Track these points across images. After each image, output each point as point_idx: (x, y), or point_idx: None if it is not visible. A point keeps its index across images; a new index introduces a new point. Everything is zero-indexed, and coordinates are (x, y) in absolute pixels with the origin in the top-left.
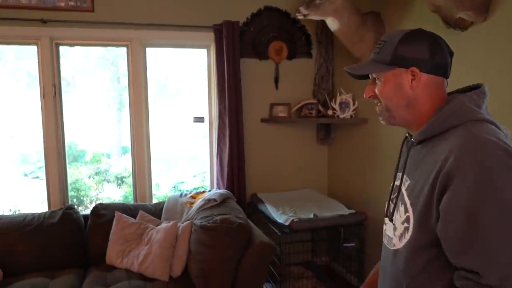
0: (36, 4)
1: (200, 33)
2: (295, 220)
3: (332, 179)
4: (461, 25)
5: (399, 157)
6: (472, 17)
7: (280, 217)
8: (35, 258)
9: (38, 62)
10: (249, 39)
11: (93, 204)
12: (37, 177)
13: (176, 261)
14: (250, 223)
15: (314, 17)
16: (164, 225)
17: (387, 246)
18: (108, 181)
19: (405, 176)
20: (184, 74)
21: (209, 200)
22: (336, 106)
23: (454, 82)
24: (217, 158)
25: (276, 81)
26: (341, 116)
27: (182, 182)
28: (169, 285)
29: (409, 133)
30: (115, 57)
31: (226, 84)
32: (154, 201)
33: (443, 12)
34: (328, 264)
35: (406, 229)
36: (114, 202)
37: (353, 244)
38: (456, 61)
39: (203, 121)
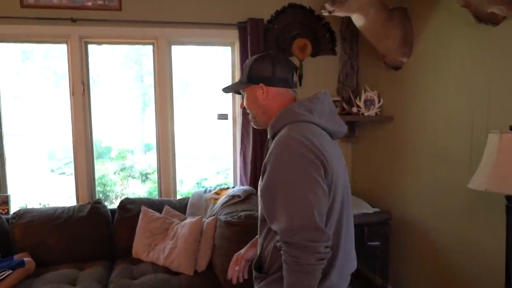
0: (66, 3)
1: (224, 30)
2: None
3: (355, 177)
4: (492, 20)
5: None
6: (505, 12)
7: None
8: (65, 250)
9: (68, 60)
10: (273, 37)
11: (119, 199)
12: (63, 173)
13: (201, 255)
14: None
15: (340, 13)
16: (189, 220)
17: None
18: (133, 177)
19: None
20: (206, 72)
21: (233, 196)
22: (361, 104)
23: (485, 80)
24: (240, 155)
25: (300, 78)
26: (366, 114)
27: (205, 179)
28: (194, 279)
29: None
30: (139, 56)
31: None
32: (178, 197)
33: (474, 6)
34: None
35: (259, 203)
36: (140, 197)
37: (377, 243)
38: (487, 58)
39: (227, 118)
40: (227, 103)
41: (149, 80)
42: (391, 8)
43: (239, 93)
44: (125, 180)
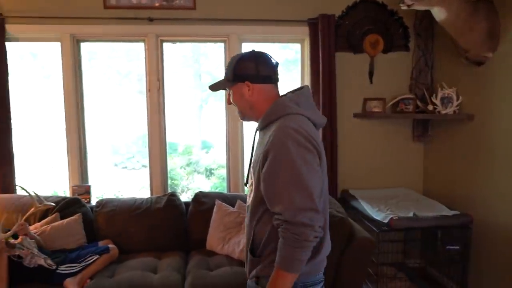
0: (145, 3)
1: (294, 27)
2: (394, 218)
3: (428, 178)
4: None
5: (253, 141)
6: None
7: (377, 215)
8: (144, 239)
9: (145, 57)
10: (344, 33)
11: (184, 193)
12: (125, 167)
13: None
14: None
15: (419, 7)
16: None
17: (247, 204)
18: (198, 172)
19: (253, 152)
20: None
21: None
22: (437, 101)
23: None
24: None
25: (371, 75)
26: (443, 112)
27: None
28: None
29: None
30: (198, 54)
31: (320, 79)
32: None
33: None
34: (423, 267)
35: (251, 190)
36: (213, 191)
37: (457, 248)
38: None
39: None
40: None
41: (207, 78)
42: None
43: (224, 89)
44: (190, 175)
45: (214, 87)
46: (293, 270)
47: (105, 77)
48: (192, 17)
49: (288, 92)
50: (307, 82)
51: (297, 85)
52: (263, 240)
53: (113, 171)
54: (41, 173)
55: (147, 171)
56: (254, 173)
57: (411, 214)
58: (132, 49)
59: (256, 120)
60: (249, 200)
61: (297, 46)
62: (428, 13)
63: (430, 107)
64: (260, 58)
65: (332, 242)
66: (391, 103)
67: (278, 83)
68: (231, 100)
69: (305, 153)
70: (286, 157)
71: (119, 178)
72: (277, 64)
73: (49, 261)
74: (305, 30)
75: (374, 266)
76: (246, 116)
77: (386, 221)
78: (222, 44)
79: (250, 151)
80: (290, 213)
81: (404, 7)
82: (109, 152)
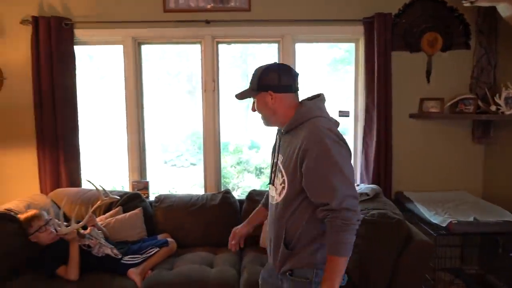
0: (202, 6)
1: (348, 27)
2: (453, 222)
3: (489, 181)
4: None
5: (275, 144)
6: None
7: (435, 218)
8: (200, 234)
9: (201, 59)
10: (400, 31)
11: (234, 192)
12: (175, 165)
13: None
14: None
15: (483, 3)
16: None
17: (271, 203)
18: (248, 171)
19: (279, 154)
20: (324, 69)
21: (360, 194)
22: (501, 102)
23: None
24: (362, 153)
25: (428, 74)
26: (507, 113)
27: None
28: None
29: (278, 128)
30: (246, 55)
31: (375, 78)
32: None
33: None
34: (482, 274)
35: (283, 187)
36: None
37: None
38: None
39: (348, 115)
40: (349, 100)
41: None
42: None
43: (248, 98)
44: (240, 174)
45: (239, 96)
46: (345, 254)
47: (156, 78)
48: (247, 19)
49: (305, 99)
50: (361, 81)
51: (347, 84)
52: (297, 234)
53: (163, 169)
54: (100, 169)
55: (196, 169)
56: (286, 172)
57: (471, 219)
58: (182, 50)
59: (279, 125)
60: (279, 197)
61: (346, 45)
62: (492, 10)
63: (493, 108)
64: (282, 70)
65: (389, 244)
66: (449, 103)
67: (298, 92)
68: (255, 108)
69: (340, 148)
70: (326, 153)
71: (169, 175)
72: (297, 74)
73: (115, 251)
74: (360, 29)
75: (431, 271)
76: (269, 122)
77: (444, 224)
78: (271, 45)
79: (272, 153)
80: (336, 201)
81: (467, 4)
82: (159, 150)
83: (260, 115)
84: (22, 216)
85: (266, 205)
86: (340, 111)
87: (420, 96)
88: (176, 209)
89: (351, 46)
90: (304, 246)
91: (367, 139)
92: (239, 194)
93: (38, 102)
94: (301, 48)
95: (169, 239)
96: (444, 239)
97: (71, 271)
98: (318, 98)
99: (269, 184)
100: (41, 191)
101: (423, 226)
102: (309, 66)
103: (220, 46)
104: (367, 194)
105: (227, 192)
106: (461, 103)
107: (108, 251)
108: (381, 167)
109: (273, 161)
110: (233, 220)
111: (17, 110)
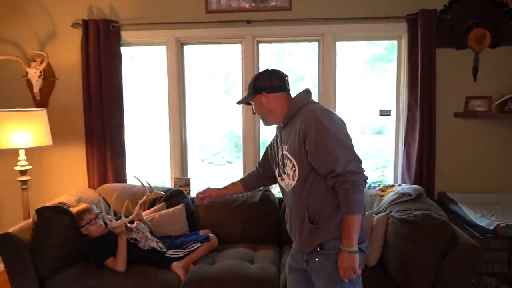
0: (243, 7)
1: (391, 24)
2: (501, 224)
3: None
4: None
5: (275, 139)
6: None
7: (481, 220)
8: (240, 231)
9: (242, 58)
10: (446, 28)
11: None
12: (211, 163)
13: (372, 250)
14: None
15: None
16: None
17: (286, 190)
18: None
19: (283, 145)
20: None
21: (403, 194)
22: None
23: None
24: (403, 153)
25: (475, 72)
26: None
27: None
28: (365, 272)
29: (277, 126)
30: (283, 53)
31: (419, 76)
32: None
33: None
34: None
35: (295, 171)
36: None
37: None
38: None
39: (390, 114)
40: (388, 98)
41: (290, 77)
42: None
43: (247, 104)
44: None
45: (240, 102)
46: (357, 211)
47: (194, 77)
48: (287, 18)
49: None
50: (404, 79)
51: (386, 82)
52: (319, 207)
53: (201, 166)
54: (142, 165)
55: (232, 166)
56: (293, 155)
57: None
58: (220, 49)
59: (277, 122)
60: (293, 181)
61: (385, 42)
62: None
63: None
64: (272, 73)
65: (433, 246)
66: (497, 102)
67: (291, 92)
68: (254, 110)
69: (336, 123)
70: (323, 129)
71: (207, 173)
72: (287, 76)
73: (160, 244)
74: (403, 26)
75: (477, 275)
76: (268, 121)
77: (491, 227)
78: (308, 43)
79: (274, 149)
80: (340, 167)
81: None
82: (197, 148)
83: (260, 116)
84: (74, 209)
85: (244, 181)
86: (380, 110)
87: (466, 94)
88: (216, 205)
89: (390, 43)
90: (327, 219)
91: (409, 139)
92: (278, 191)
93: (87, 101)
94: (340, 46)
95: (211, 235)
96: (490, 243)
97: (119, 262)
98: (305, 91)
99: (277, 176)
100: (89, 186)
101: (468, 228)
102: (347, 64)
103: (260, 45)
104: (409, 195)
105: (267, 190)
106: (510, 102)
107: (154, 245)
108: (424, 167)
109: (277, 155)
110: (272, 218)
111: (68, 109)
